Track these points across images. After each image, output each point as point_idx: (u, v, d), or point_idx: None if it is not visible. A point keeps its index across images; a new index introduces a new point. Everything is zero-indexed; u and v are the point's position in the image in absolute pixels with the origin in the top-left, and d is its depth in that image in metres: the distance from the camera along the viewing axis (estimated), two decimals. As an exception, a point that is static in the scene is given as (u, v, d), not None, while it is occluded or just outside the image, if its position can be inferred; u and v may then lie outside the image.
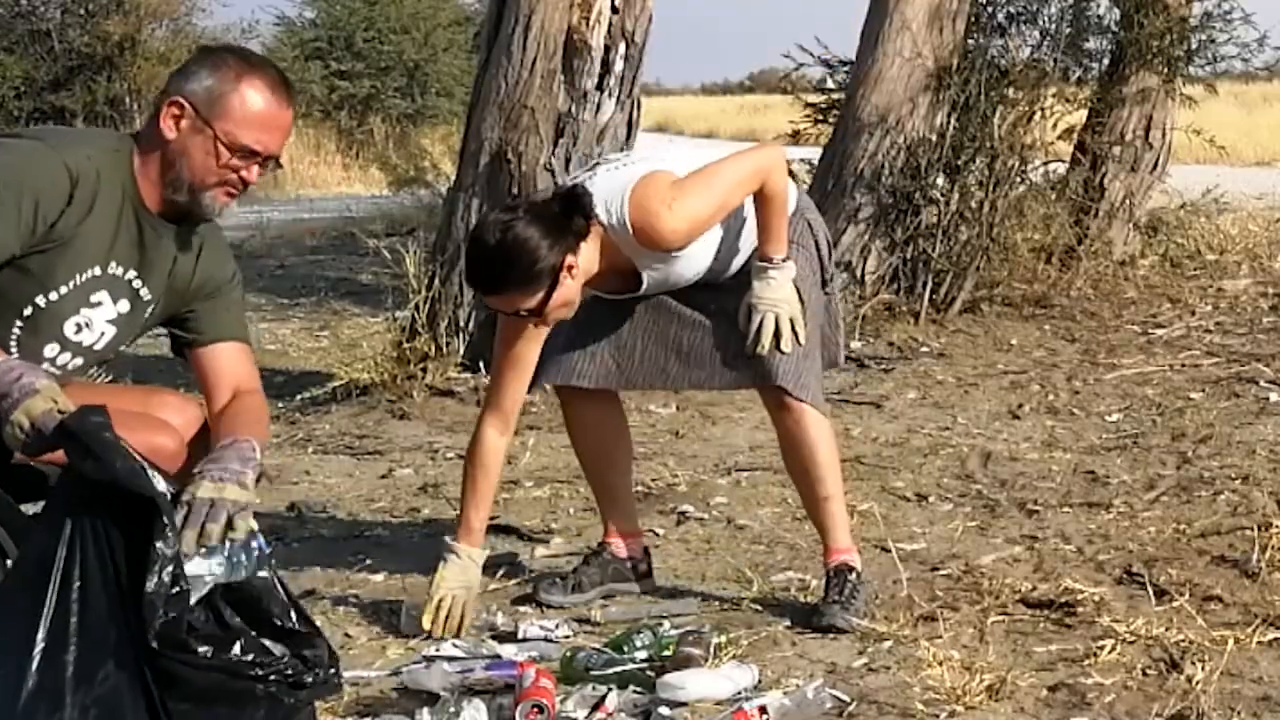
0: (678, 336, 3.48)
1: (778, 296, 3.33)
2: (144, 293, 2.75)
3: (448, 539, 3.42)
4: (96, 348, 2.75)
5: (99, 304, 2.71)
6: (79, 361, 2.75)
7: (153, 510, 2.34)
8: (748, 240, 3.41)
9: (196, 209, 2.70)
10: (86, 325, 2.72)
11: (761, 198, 3.32)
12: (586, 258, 3.23)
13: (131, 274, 2.73)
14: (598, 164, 3.45)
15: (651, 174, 3.28)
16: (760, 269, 3.35)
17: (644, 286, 3.38)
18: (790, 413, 3.41)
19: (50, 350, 2.70)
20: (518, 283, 3.15)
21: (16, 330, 2.66)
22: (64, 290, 2.66)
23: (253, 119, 2.66)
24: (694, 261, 3.38)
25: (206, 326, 2.83)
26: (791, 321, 3.34)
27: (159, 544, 2.32)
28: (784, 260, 3.34)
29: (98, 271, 2.68)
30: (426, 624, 3.30)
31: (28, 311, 2.65)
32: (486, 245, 3.15)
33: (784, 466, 3.58)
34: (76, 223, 2.61)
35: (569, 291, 3.21)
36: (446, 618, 3.30)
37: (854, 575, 3.40)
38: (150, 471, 2.37)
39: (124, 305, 2.74)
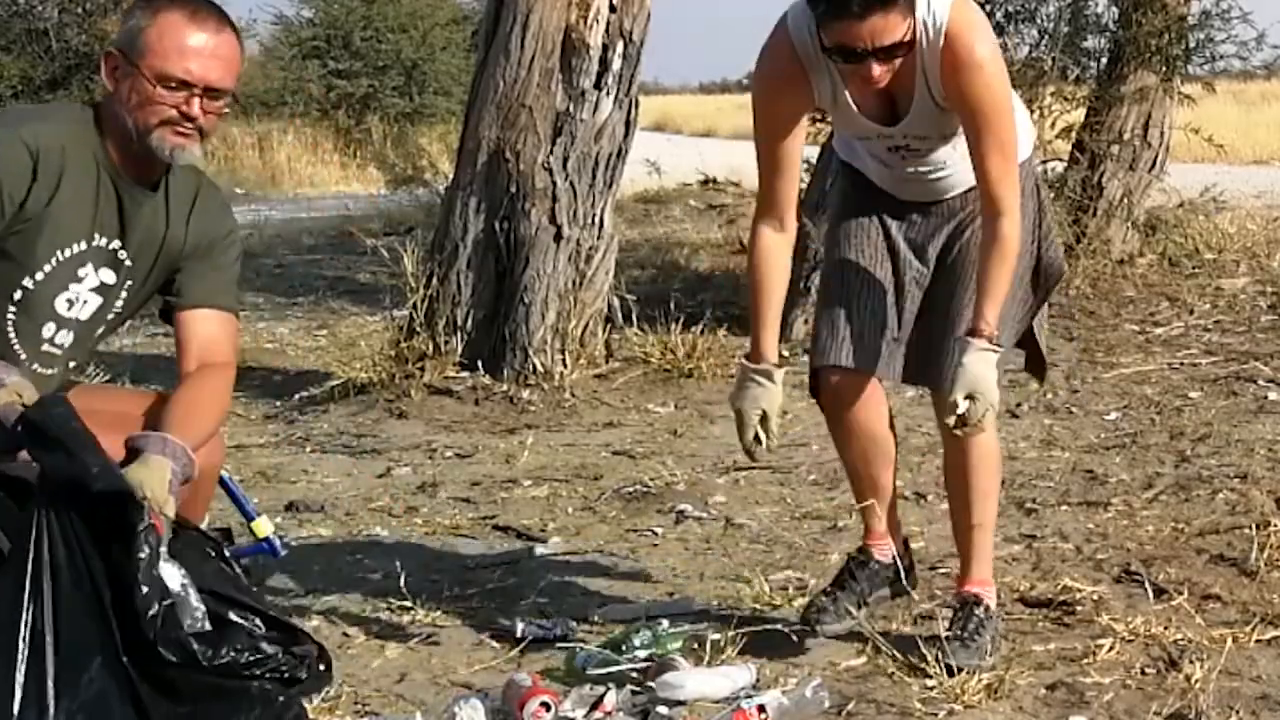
0: (894, 320, 3.18)
1: (990, 384, 2.97)
2: (126, 260, 2.73)
3: (742, 360, 3.13)
4: (84, 319, 2.73)
5: (84, 277, 2.70)
6: (73, 335, 2.72)
7: (123, 507, 2.30)
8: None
9: (149, 155, 2.64)
10: (77, 300, 2.70)
11: (1003, 247, 3.02)
12: None
13: (116, 244, 2.71)
14: None
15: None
16: (971, 345, 2.98)
17: (901, 124, 3.02)
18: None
19: (48, 330, 2.69)
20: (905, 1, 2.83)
21: (10, 315, 2.65)
22: (48, 269, 2.65)
23: (173, 48, 2.61)
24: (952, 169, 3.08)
25: (189, 290, 2.77)
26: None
27: (139, 549, 2.29)
28: (998, 340, 3.00)
29: (83, 246, 2.67)
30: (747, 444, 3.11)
31: (17, 295, 2.64)
32: None
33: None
34: (47, 199, 2.59)
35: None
36: (756, 439, 3.11)
37: (981, 609, 3.15)
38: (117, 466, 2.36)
39: (107, 274, 2.72)
